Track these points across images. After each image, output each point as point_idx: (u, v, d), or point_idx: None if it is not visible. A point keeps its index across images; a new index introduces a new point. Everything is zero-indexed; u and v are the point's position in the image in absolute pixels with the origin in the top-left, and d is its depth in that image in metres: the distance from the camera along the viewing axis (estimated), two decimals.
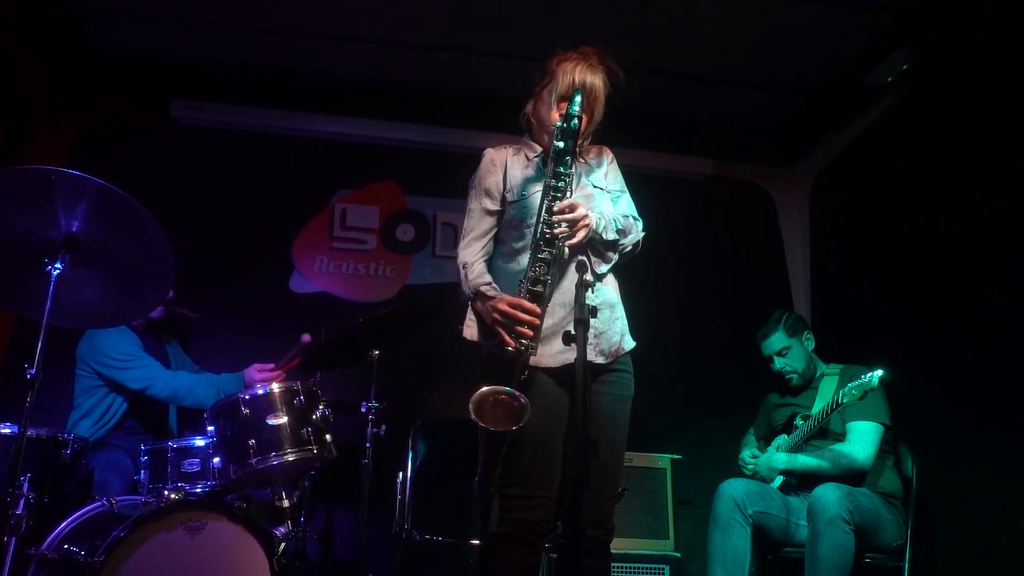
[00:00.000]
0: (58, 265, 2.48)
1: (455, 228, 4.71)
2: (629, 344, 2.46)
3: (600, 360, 2.36)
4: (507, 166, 2.49)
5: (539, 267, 2.24)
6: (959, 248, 3.65)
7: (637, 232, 2.48)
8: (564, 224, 2.23)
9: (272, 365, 3.45)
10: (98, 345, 3.43)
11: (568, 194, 2.29)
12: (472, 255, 2.45)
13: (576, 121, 2.22)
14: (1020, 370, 3.19)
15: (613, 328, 2.40)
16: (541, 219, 2.25)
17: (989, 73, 3.57)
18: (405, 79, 4.55)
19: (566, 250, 2.26)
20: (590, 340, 2.26)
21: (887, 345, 3.94)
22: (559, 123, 2.25)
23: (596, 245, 2.39)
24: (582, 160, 2.53)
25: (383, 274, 4.66)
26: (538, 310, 2.22)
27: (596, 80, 2.40)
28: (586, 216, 2.27)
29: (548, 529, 2.25)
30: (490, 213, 2.48)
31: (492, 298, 2.31)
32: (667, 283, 4.57)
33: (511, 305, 2.23)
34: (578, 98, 2.24)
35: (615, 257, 2.46)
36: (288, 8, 3.99)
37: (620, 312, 2.46)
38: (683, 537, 3.88)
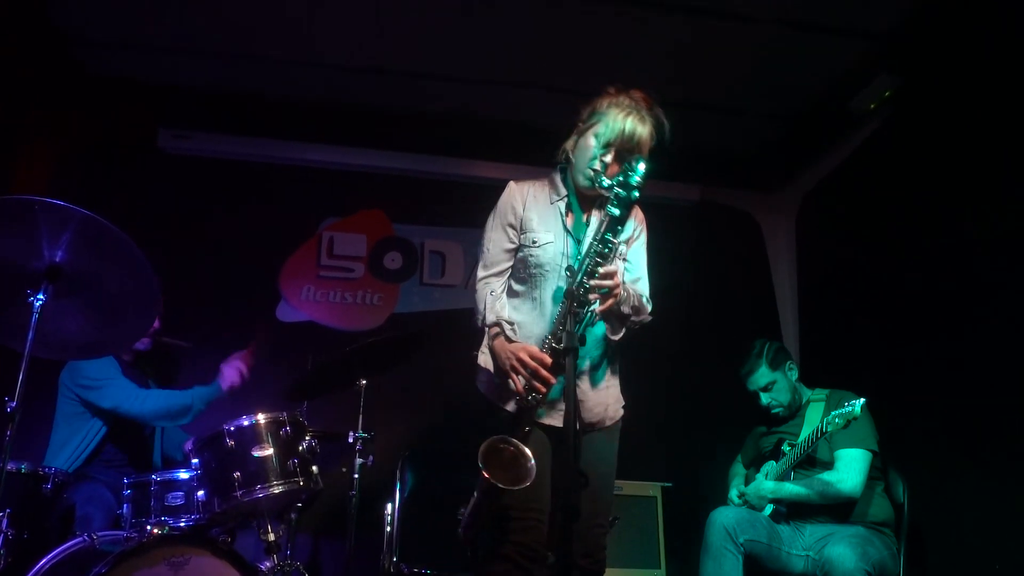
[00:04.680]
0: (41, 296, 2.44)
1: (443, 256, 4.71)
2: (618, 414, 2.46)
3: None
4: (527, 205, 2.45)
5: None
6: (944, 271, 3.67)
7: (647, 316, 2.44)
8: (601, 291, 2.18)
9: (242, 355, 3.53)
10: (78, 368, 3.40)
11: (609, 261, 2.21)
12: (499, 285, 2.43)
13: (637, 193, 2.13)
14: (1009, 393, 3.19)
15: (608, 399, 2.41)
16: (580, 280, 2.18)
17: (971, 99, 3.62)
18: (392, 108, 4.57)
19: (595, 317, 2.24)
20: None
21: (874, 368, 3.94)
22: (618, 189, 2.14)
23: (609, 316, 2.34)
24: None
25: (370, 302, 4.64)
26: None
27: (645, 133, 2.34)
28: (619, 286, 2.23)
29: (539, 555, 2.24)
30: (509, 250, 2.46)
31: (513, 343, 2.30)
32: (655, 309, 4.56)
33: (533, 357, 2.21)
34: (641, 167, 2.14)
35: (621, 331, 2.41)
36: (275, 38, 4.01)
37: (614, 382, 2.48)
38: (675, 566, 3.84)
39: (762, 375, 3.51)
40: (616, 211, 2.15)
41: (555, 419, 2.30)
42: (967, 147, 3.60)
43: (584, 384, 2.36)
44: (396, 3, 3.79)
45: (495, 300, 2.40)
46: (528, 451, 2.14)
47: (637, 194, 2.14)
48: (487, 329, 2.38)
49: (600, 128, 2.34)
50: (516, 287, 2.43)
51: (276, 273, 4.56)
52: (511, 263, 2.46)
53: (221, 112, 4.56)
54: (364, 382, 3.36)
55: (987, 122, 3.49)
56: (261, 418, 2.87)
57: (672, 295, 4.72)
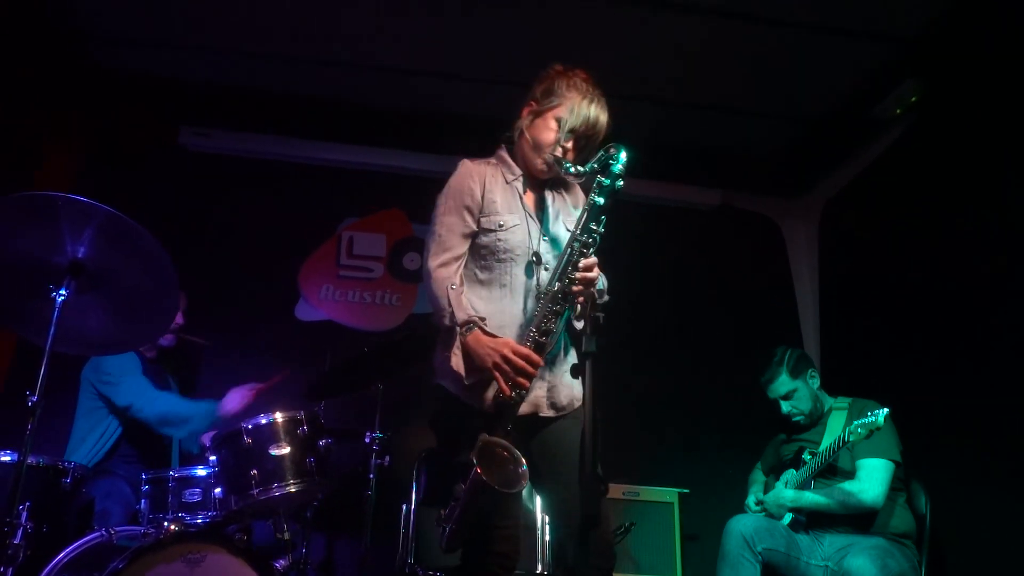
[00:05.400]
0: (63, 291, 2.46)
1: None
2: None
3: (550, 413, 2.29)
4: (486, 186, 2.35)
5: (549, 319, 2.17)
6: (968, 279, 3.62)
7: (606, 297, 2.38)
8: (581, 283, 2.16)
9: (251, 388, 3.37)
10: (99, 362, 3.43)
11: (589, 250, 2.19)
12: (457, 276, 2.30)
13: (621, 182, 2.13)
14: None
15: (573, 381, 2.32)
16: (564, 271, 2.17)
17: (997, 105, 3.57)
18: (413, 107, 4.57)
19: (578, 308, 2.19)
20: (543, 394, 2.26)
21: (897, 377, 3.89)
22: (601, 178, 2.15)
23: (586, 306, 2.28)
24: (562, 194, 2.44)
25: (389, 302, 4.64)
26: (541, 363, 2.17)
27: (605, 120, 2.32)
28: (597, 278, 2.21)
29: (515, 564, 2.25)
30: (466, 234, 2.33)
31: (494, 338, 2.20)
32: (675, 314, 4.54)
33: (517, 353, 2.14)
34: (623, 155, 2.15)
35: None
36: (296, 36, 4.02)
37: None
38: (691, 573, 3.80)
39: (783, 383, 3.47)
40: (600, 199, 2.15)
41: (524, 407, 2.22)
42: (993, 155, 3.55)
43: (554, 371, 2.29)
44: (416, 4, 3.78)
45: (459, 295, 2.27)
46: (521, 456, 2.08)
47: (622, 183, 2.13)
48: (457, 328, 2.24)
49: (563, 112, 2.30)
50: (481, 275, 2.32)
51: (295, 272, 4.57)
52: (466, 248, 2.33)
53: (242, 110, 4.57)
54: (381, 383, 3.37)
55: (1014, 129, 3.43)
56: (279, 417, 2.88)
57: (691, 299, 4.75)
